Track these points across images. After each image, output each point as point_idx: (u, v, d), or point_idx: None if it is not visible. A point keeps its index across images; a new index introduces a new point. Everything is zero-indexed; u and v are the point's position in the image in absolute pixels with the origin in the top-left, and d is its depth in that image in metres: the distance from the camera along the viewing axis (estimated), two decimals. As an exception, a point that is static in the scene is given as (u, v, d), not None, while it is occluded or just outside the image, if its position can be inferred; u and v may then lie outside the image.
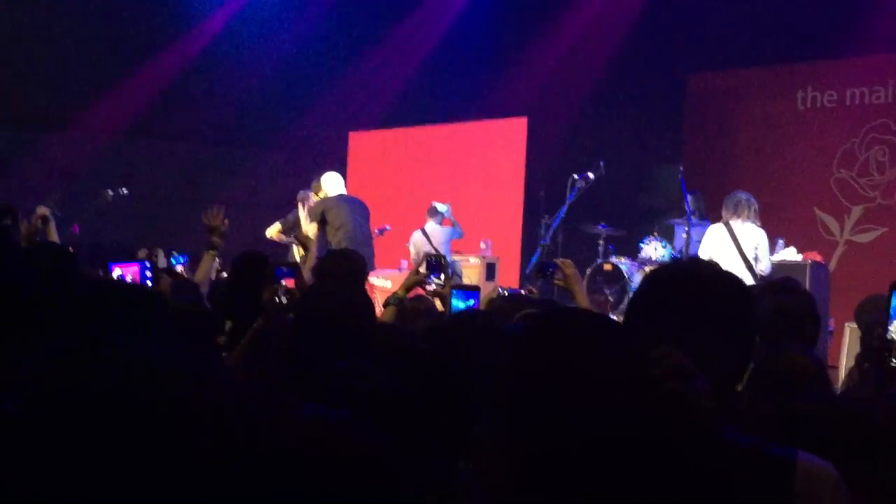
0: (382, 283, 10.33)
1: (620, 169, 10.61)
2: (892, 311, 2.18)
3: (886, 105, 10.80)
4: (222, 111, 13.20)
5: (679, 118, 12.54)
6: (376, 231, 9.78)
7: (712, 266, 1.95)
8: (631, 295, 5.66)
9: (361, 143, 14.40)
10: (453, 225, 11.28)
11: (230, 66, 13.06)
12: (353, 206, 8.50)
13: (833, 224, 11.10)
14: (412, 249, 10.94)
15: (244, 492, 0.78)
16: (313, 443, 0.86)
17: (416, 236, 11.03)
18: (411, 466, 1.79)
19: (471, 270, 11.19)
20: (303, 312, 3.05)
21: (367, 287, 5.31)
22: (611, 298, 9.88)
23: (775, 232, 8.33)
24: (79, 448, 0.76)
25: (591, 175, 8.83)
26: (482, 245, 11.57)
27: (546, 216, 9.92)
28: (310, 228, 8.33)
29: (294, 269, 3.83)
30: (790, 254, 8.61)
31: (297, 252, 9.36)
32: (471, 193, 12.60)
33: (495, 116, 13.03)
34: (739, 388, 1.98)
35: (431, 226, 11.07)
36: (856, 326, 6.11)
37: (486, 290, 5.74)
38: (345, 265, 4.57)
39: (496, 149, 13.03)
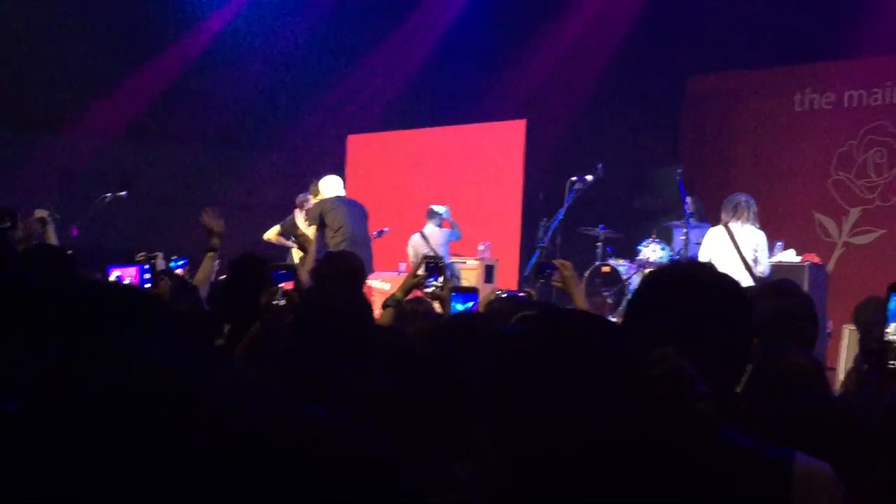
0: (381, 286, 10.32)
1: (619, 171, 10.62)
2: (890, 313, 2.18)
3: (884, 107, 10.81)
4: (221, 113, 13.20)
5: (677, 120, 12.54)
6: (375, 233, 9.78)
7: (710, 268, 1.95)
8: (629, 297, 5.67)
9: (360, 145, 14.40)
10: (452, 227, 11.28)
11: (229, 68, 13.05)
12: (351, 208, 8.50)
13: (831, 226, 11.11)
14: (411, 252, 10.94)
15: (244, 492, 0.78)
16: (313, 443, 0.86)
17: (415, 239, 11.03)
18: (410, 468, 1.79)
19: (469, 272, 11.19)
20: (301, 315, 3.05)
21: (365, 289, 5.31)
22: (609, 300, 9.88)
23: (773, 234, 8.34)
24: (82, 448, 0.76)
25: (589, 177, 8.85)
26: (481, 247, 11.57)
27: (545, 218, 9.93)
28: (308, 231, 8.33)
29: (292, 272, 3.83)
30: (788, 255, 8.61)
31: (295, 254, 9.36)
32: (469, 196, 12.60)
33: (494, 119, 13.03)
34: (738, 389, 1.98)
35: (430, 228, 11.08)
36: (854, 328, 6.12)
37: (485, 293, 5.74)
38: (343, 267, 4.57)
39: (495, 151, 13.04)
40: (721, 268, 2.07)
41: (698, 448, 1.47)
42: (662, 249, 9.92)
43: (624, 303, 9.15)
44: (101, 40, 12.33)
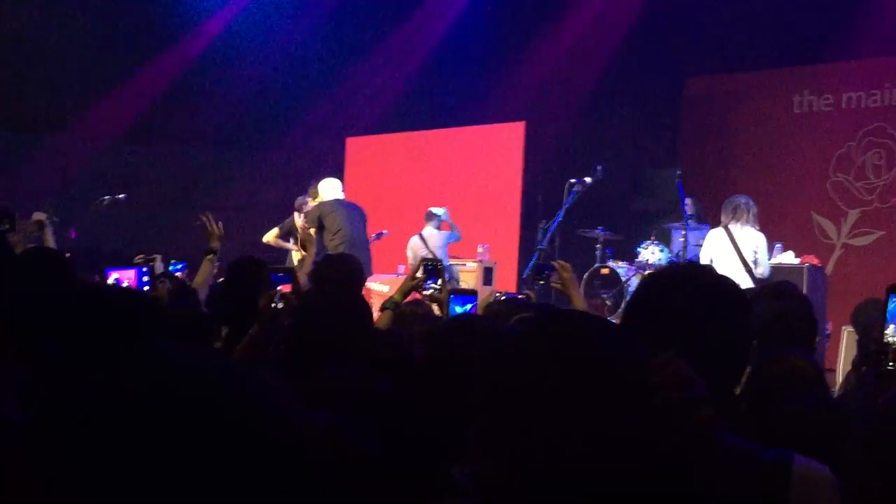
0: (380, 288, 10.32)
1: (618, 173, 10.62)
2: (888, 315, 2.18)
3: (882, 108, 10.82)
4: (220, 114, 13.20)
5: (676, 122, 12.55)
6: (373, 236, 9.78)
7: (709, 270, 1.95)
8: (628, 299, 5.67)
9: (359, 147, 14.40)
10: (451, 228, 11.28)
11: (228, 69, 13.06)
12: (350, 210, 8.50)
13: (830, 227, 11.11)
14: (409, 254, 10.94)
15: (243, 491, 0.77)
16: (317, 445, 0.86)
17: (414, 241, 11.03)
18: (408, 469, 1.79)
19: (468, 275, 11.18)
20: (300, 317, 3.05)
21: (364, 292, 5.31)
22: (608, 302, 9.89)
23: (772, 235, 8.34)
24: (100, 455, 0.76)
25: (588, 179, 8.85)
26: (479, 249, 11.56)
27: (544, 220, 9.93)
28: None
29: (290, 275, 3.83)
30: (787, 257, 8.61)
31: (294, 257, 9.36)
32: (468, 198, 12.60)
33: (493, 121, 13.03)
34: (737, 391, 1.98)
35: (429, 230, 11.07)
36: (853, 330, 6.11)
37: (484, 295, 5.74)
38: (342, 270, 4.56)
39: (494, 153, 13.04)
40: (722, 269, 2.07)
41: (697, 450, 1.47)
42: (661, 251, 9.92)
43: (623, 305, 9.15)
44: (101, 41, 12.34)
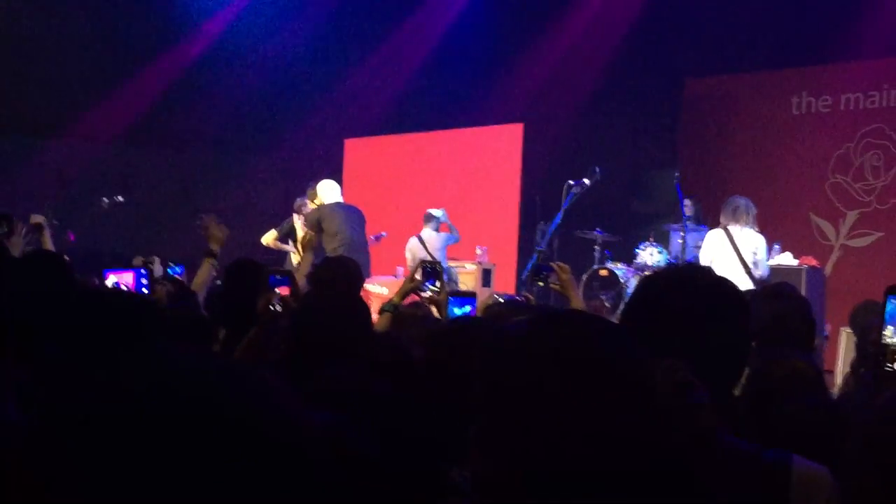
0: (379, 290, 10.32)
1: (616, 174, 10.62)
2: (887, 316, 2.18)
3: (881, 109, 10.82)
4: (219, 117, 13.21)
5: (675, 123, 12.55)
6: (372, 238, 9.78)
7: (708, 271, 1.95)
8: (627, 300, 5.68)
9: (357, 149, 14.41)
10: (450, 230, 11.28)
11: (227, 71, 13.07)
12: (349, 213, 8.50)
13: (828, 229, 11.11)
14: (408, 256, 10.94)
15: (243, 491, 0.77)
16: (318, 446, 0.86)
17: (413, 243, 11.03)
18: (408, 470, 1.79)
19: (467, 277, 11.18)
20: (298, 320, 3.05)
21: (363, 294, 5.31)
22: (607, 304, 9.89)
23: (771, 237, 8.35)
24: (108, 456, 0.76)
25: (586, 181, 8.85)
26: (478, 251, 11.57)
27: (542, 222, 9.93)
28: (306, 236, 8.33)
29: (289, 277, 3.82)
30: (786, 259, 8.62)
31: (293, 259, 9.36)
32: (467, 200, 12.60)
33: (491, 122, 13.04)
34: (736, 392, 1.98)
35: (428, 232, 11.07)
36: (851, 331, 6.12)
37: (483, 297, 5.74)
38: (340, 272, 4.56)
39: (492, 155, 13.05)
40: (721, 271, 2.07)
41: (697, 451, 1.47)
42: (660, 253, 9.93)
43: (622, 306, 9.14)
44: (100, 44, 12.33)
